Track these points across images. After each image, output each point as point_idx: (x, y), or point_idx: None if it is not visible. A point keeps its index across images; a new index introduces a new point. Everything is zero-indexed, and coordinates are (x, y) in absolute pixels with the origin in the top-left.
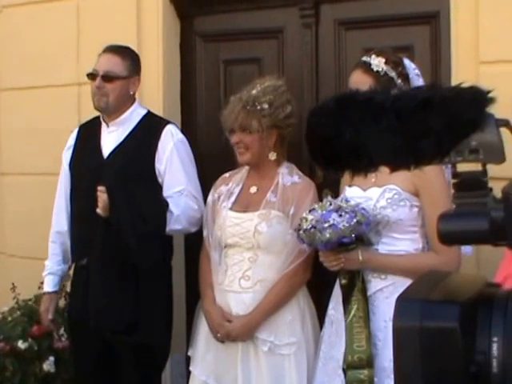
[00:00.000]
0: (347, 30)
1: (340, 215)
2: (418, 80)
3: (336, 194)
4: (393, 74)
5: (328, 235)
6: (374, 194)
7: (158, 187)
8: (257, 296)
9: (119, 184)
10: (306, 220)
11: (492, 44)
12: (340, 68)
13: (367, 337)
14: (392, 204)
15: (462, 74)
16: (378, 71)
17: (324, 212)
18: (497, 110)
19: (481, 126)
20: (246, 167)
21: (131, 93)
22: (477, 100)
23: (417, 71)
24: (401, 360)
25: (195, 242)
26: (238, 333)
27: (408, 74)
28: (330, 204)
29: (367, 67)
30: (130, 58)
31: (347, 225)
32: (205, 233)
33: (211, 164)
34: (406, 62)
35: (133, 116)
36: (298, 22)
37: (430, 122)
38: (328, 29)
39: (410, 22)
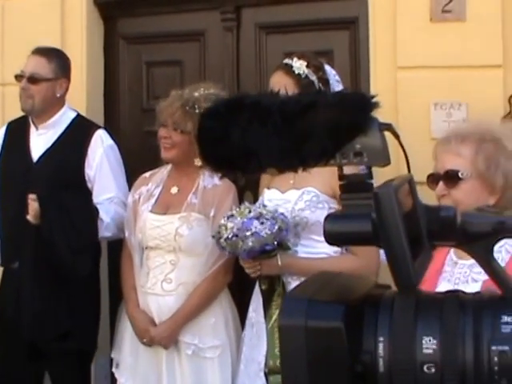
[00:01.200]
0: (268, 33)
1: (261, 223)
2: (337, 86)
3: (257, 196)
4: (313, 77)
5: (251, 243)
6: (293, 196)
7: (88, 194)
8: (179, 299)
9: (50, 192)
10: (226, 228)
11: (409, 50)
12: (261, 71)
13: None
14: (310, 206)
15: (380, 78)
16: (299, 74)
17: (244, 219)
18: (414, 114)
19: (364, 130)
20: (167, 167)
21: (58, 95)
22: (360, 105)
23: (337, 77)
24: (286, 359)
25: (118, 242)
26: (162, 337)
27: (328, 79)
28: (250, 211)
29: (289, 69)
30: (57, 60)
31: (269, 232)
32: (126, 234)
33: (133, 165)
34: (327, 67)
35: (62, 119)
36: (219, 26)
37: (314, 126)
38: (249, 32)
39: (330, 27)
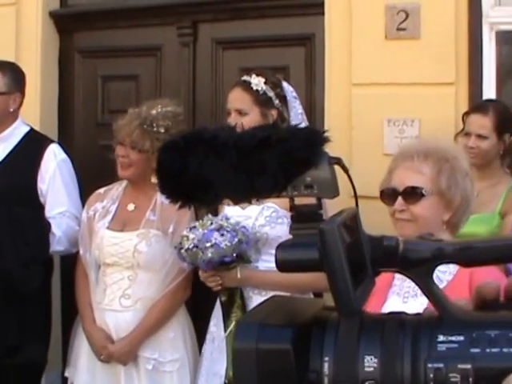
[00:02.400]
0: (225, 49)
1: (222, 234)
2: (295, 102)
3: (216, 212)
4: (271, 94)
5: (210, 255)
6: (253, 212)
7: (41, 208)
8: (138, 314)
9: (2, 206)
10: (188, 239)
11: (364, 67)
12: (217, 86)
13: None
14: (270, 222)
15: (335, 95)
16: (257, 90)
17: (205, 231)
18: (368, 130)
19: (314, 164)
20: (122, 184)
21: (11, 110)
22: (311, 140)
23: (294, 94)
24: (239, 381)
25: (71, 258)
26: (122, 353)
27: (286, 96)
28: (211, 223)
29: (247, 86)
30: (11, 74)
31: (229, 244)
32: (81, 251)
33: (87, 179)
34: (285, 84)
35: (15, 133)
36: (176, 41)
37: (266, 160)
38: (206, 48)
39: (286, 44)
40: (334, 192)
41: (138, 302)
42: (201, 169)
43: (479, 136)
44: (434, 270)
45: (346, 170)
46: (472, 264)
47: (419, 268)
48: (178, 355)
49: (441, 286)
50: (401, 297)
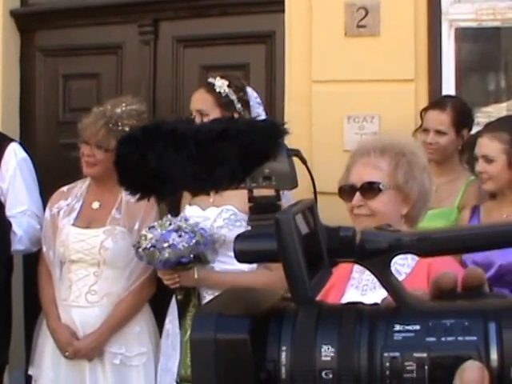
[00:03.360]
0: (185, 47)
1: (180, 235)
2: (258, 108)
3: (173, 210)
4: (233, 97)
5: (167, 255)
6: (212, 213)
7: (1, 207)
8: (104, 310)
9: None
10: (146, 238)
11: (324, 64)
12: (177, 84)
13: None
14: (228, 224)
15: (295, 92)
16: (219, 92)
17: (164, 231)
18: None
19: (273, 156)
20: (85, 182)
21: None
22: (269, 132)
23: (258, 99)
24: (197, 371)
25: (33, 256)
26: (88, 350)
27: (249, 101)
28: (170, 223)
29: (211, 87)
30: None
31: (186, 245)
32: (44, 248)
33: (49, 178)
34: (249, 89)
35: None
36: (137, 39)
37: (225, 152)
38: (166, 46)
39: (247, 41)
40: (292, 183)
41: (105, 298)
42: (159, 161)
43: (438, 132)
44: (391, 260)
45: (304, 162)
46: (429, 254)
47: (376, 258)
48: (145, 349)
49: (399, 279)
50: (359, 290)
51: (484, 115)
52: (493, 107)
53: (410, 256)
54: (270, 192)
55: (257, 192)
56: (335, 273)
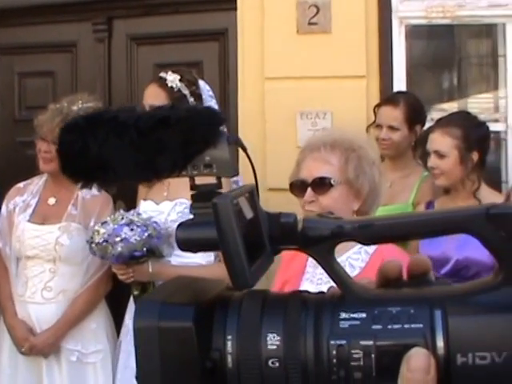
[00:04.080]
0: (139, 45)
1: (132, 229)
2: (210, 101)
3: (131, 207)
4: (186, 91)
5: (120, 249)
6: (166, 207)
7: None
8: (60, 306)
9: None
10: (99, 233)
11: (276, 61)
12: (132, 82)
13: None
14: (182, 217)
15: (248, 89)
16: (172, 87)
17: (116, 226)
18: (281, 123)
19: (213, 143)
20: (42, 178)
21: None
22: (209, 120)
23: (211, 93)
24: (141, 360)
25: None
26: (44, 345)
27: (201, 94)
28: (122, 218)
29: (162, 82)
30: None
31: (139, 238)
32: (0, 244)
33: (4, 175)
34: (201, 82)
35: None
36: (91, 37)
37: (165, 139)
38: (120, 44)
39: (200, 39)
40: (233, 171)
41: (60, 295)
42: (101, 149)
43: (391, 128)
44: (334, 247)
45: (244, 149)
46: (372, 241)
47: (319, 246)
48: (101, 346)
49: (354, 273)
50: (314, 284)
51: (437, 112)
52: (447, 104)
53: (363, 250)
54: (212, 180)
55: (200, 180)
56: (290, 268)
